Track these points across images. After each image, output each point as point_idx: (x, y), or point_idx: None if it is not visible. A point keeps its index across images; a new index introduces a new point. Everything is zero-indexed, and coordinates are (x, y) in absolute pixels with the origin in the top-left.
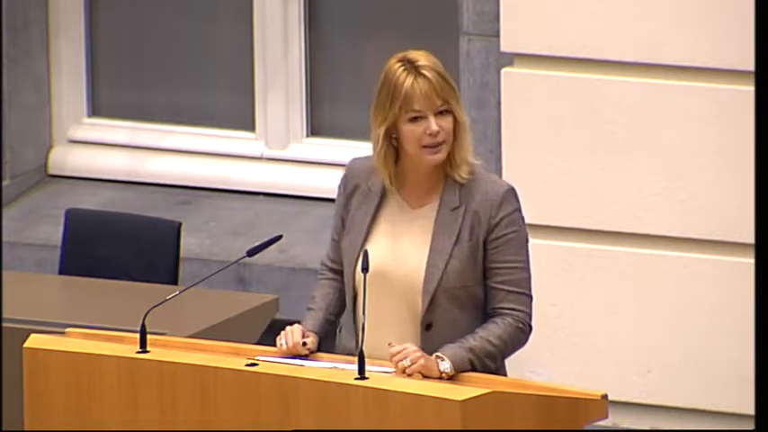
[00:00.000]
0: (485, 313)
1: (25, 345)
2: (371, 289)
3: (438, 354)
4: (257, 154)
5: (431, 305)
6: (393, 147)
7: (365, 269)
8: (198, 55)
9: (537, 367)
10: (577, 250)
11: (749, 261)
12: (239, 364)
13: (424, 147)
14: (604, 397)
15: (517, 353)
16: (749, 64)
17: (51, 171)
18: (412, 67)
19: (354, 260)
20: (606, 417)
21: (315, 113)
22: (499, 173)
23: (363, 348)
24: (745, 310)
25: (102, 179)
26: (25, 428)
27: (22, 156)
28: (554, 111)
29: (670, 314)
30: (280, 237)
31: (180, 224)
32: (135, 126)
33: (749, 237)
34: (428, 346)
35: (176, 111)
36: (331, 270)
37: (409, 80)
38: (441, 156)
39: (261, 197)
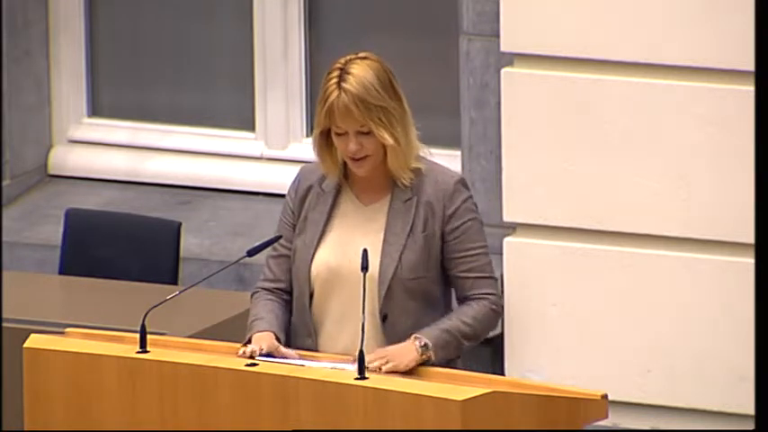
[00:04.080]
0: (435, 308)
1: (25, 345)
2: (325, 287)
3: (415, 335)
4: (257, 154)
5: (386, 297)
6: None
7: (365, 268)
8: (198, 55)
9: (537, 367)
10: (577, 250)
11: (749, 261)
12: (239, 364)
13: (350, 158)
14: (604, 397)
15: (517, 353)
16: (749, 64)
17: (51, 171)
18: (342, 79)
19: (309, 258)
20: (606, 417)
21: (315, 113)
22: (499, 173)
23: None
24: (745, 310)
25: (102, 179)
26: (25, 428)
27: (22, 156)
28: (554, 111)
29: (670, 314)
30: (280, 237)
31: (180, 224)
32: (135, 126)
33: (749, 237)
34: (385, 338)
35: (176, 111)
36: (271, 291)
37: (334, 94)
38: (365, 170)
39: (261, 197)
